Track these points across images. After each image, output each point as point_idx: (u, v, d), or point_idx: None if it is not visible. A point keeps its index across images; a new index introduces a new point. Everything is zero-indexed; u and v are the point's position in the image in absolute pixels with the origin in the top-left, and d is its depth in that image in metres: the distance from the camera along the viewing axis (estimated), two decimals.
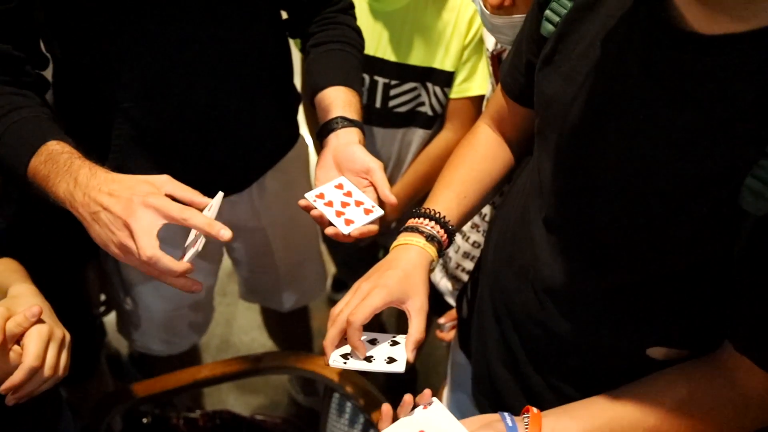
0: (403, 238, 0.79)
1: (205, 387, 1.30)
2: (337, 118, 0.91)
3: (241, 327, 2.05)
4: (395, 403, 0.72)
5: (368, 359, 0.73)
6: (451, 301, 1.31)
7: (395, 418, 0.70)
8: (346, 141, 0.89)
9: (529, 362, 0.78)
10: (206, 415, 1.31)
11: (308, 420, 1.49)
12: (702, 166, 0.55)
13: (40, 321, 0.71)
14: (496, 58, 1.04)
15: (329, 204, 0.84)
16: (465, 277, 1.25)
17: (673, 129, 0.57)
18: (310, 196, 0.86)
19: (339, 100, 0.93)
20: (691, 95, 0.55)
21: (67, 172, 0.77)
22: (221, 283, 1.44)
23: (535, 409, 0.67)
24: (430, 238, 0.77)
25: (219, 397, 1.81)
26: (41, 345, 0.70)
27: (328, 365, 0.74)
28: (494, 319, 0.84)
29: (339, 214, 0.83)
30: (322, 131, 0.92)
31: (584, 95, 0.63)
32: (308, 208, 0.85)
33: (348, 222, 0.82)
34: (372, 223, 0.84)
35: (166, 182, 0.76)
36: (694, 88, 0.55)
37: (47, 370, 0.70)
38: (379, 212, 0.85)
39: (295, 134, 1.25)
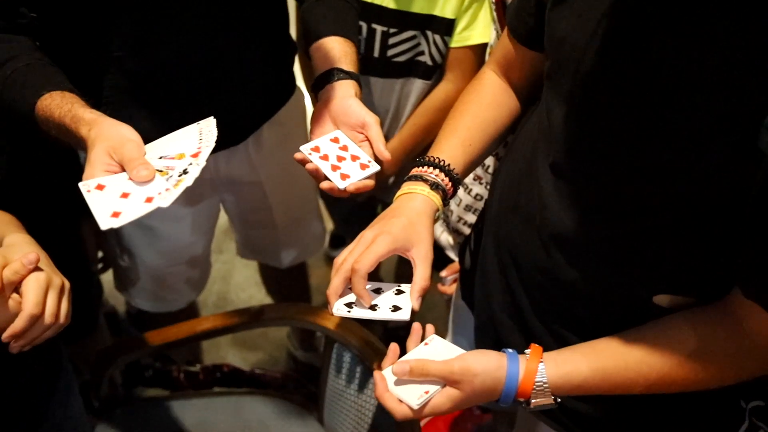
0: (407, 187, 0.79)
1: (205, 339, 1.31)
2: (333, 70, 0.89)
3: (239, 284, 2.07)
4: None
5: (373, 308, 0.74)
6: (453, 255, 1.32)
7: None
8: (342, 94, 0.87)
9: (533, 311, 0.79)
10: (206, 369, 1.34)
11: (307, 375, 1.51)
12: (723, 107, 0.55)
13: (37, 269, 0.70)
14: (500, 3, 1.02)
15: (325, 158, 0.83)
16: (467, 231, 1.25)
17: (695, 68, 0.56)
18: (305, 149, 0.85)
19: (335, 51, 0.91)
20: (715, 32, 0.54)
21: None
22: (217, 240, 1.45)
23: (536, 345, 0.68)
24: (435, 186, 0.77)
25: (217, 353, 1.84)
26: (40, 292, 0.69)
27: (332, 314, 0.74)
28: (498, 269, 0.84)
29: (335, 168, 0.82)
30: (317, 84, 0.90)
31: (600, 34, 0.62)
32: (304, 162, 0.84)
33: (344, 176, 0.82)
34: (368, 178, 0.83)
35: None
36: (718, 24, 0.54)
37: (48, 317, 0.70)
38: (375, 167, 0.84)
39: (292, 85, 1.23)
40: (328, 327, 1.12)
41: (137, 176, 0.70)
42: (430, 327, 0.74)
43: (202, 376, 1.33)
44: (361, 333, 1.08)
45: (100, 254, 1.47)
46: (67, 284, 0.74)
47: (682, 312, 0.67)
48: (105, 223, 0.66)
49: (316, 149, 0.84)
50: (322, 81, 0.90)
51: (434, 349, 0.72)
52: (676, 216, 0.63)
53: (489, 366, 0.67)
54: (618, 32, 0.61)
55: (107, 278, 1.53)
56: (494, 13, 1.04)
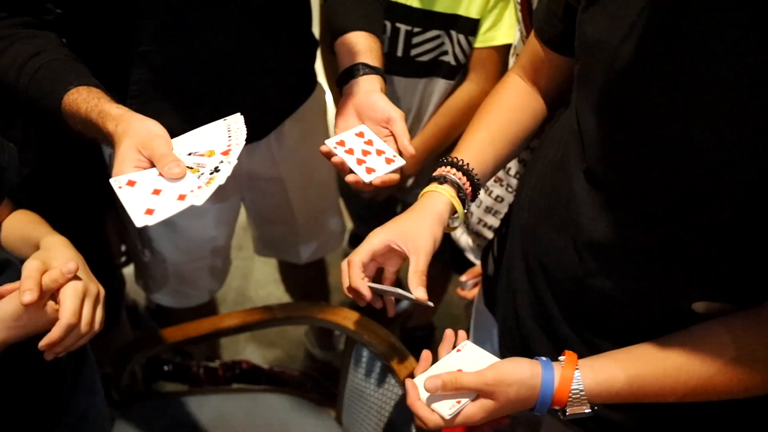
0: (428, 187, 0.79)
1: (225, 336, 1.32)
2: (358, 64, 0.89)
3: (258, 281, 2.08)
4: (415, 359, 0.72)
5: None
6: (472, 258, 1.30)
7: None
8: (367, 89, 0.87)
9: (563, 319, 0.77)
10: (226, 365, 1.35)
11: (324, 374, 1.51)
12: (766, 107, 0.53)
13: (75, 277, 0.71)
14: (525, 4, 1.01)
15: (350, 152, 0.83)
16: (487, 233, 1.24)
17: (736, 67, 0.54)
18: (330, 143, 0.85)
19: (360, 46, 0.91)
20: (756, 29, 0.52)
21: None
22: (237, 237, 1.46)
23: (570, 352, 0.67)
24: (454, 186, 0.77)
25: (236, 349, 1.85)
26: (77, 302, 0.70)
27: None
28: (525, 276, 0.82)
29: (360, 162, 0.82)
30: (342, 78, 0.90)
31: (636, 36, 0.60)
32: (329, 155, 0.84)
33: (369, 170, 0.81)
34: (393, 172, 0.83)
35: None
36: (760, 22, 0.52)
37: (84, 326, 0.71)
38: (400, 162, 0.84)
39: (313, 82, 1.23)
40: (349, 327, 1.12)
41: (169, 173, 0.70)
42: (462, 333, 0.73)
43: (221, 372, 1.34)
44: (382, 333, 1.08)
45: (123, 248, 1.48)
46: (102, 291, 0.76)
47: (720, 318, 0.65)
48: (140, 220, 0.67)
49: (342, 143, 0.84)
50: (346, 76, 0.89)
51: (467, 356, 0.71)
52: (717, 220, 0.61)
53: (524, 375, 0.66)
54: (654, 32, 0.59)
55: (127, 271, 1.54)
56: (519, 14, 1.04)
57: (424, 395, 0.67)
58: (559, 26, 0.76)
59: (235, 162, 0.71)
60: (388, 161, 0.83)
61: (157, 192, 0.70)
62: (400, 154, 0.86)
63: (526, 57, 0.85)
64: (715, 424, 0.74)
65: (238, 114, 0.78)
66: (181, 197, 0.69)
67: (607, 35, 0.64)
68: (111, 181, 0.71)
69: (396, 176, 0.83)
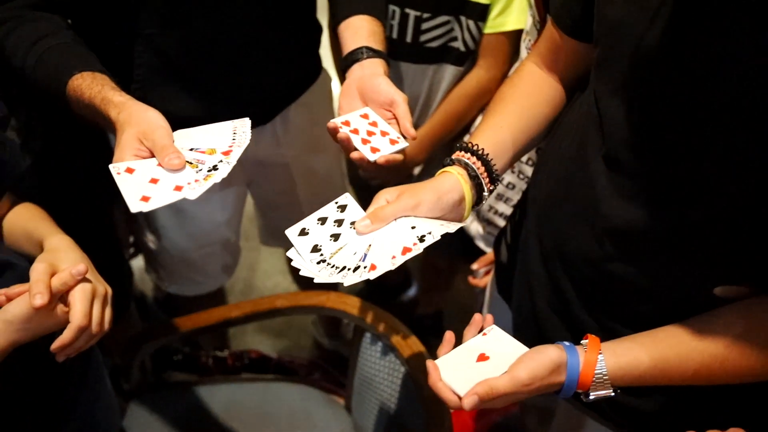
0: (438, 172, 0.78)
1: (233, 326, 1.32)
2: (361, 48, 0.89)
3: (265, 272, 2.08)
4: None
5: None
6: (482, 246, 1.30)
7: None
8: (371, 72, 0.87)
9: (581, 305, 0.76)
10: (234, 355, 1.35)
11: (333, 363, 1.51)
12: None
13: (84, 279, 0.72)
14: None
15: (355, 131, 0.83)
16: (498, 220, 1.23)
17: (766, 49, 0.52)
18: (336, 122, 0.85)
19: (363, 30, 0.91)
20: None
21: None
22: (244, 228, 1.45)
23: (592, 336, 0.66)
24: (469, 170, 0.75)
25: (243, 339, 1.85)
26: (87, 304, 0.71)
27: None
28: (542, 262, 0.82)
29: (365, 141, 0.82)
30: (345, 61, 0.90)
31: (664, 16, 0.59)
32: (335, 131, 0.84)
33: (374, 150, 0.82)
34: (397, 153, 0.83)
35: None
36: None
37: (95, 327, 0.72)
38: (404, 143, 0.84)
39: (318, 67, 1.23)
40: (357, 315, 1.11)
41: (168, 164, 0.71)
42: (489, 317, 0.72)
43: (230, 361, 1.34)
44: (390, 321, 1.08)
45: (131, 239, 1.49)
46: (109, 291, 0.76)
47: (744, 301, 0.65)
48: (135, 206, 0.68)
49: (347, 123, 0.84)
50: (350, 59, 0.89)
51: (492, 341, 0.70)
52: (741, 204, 0.60)
53: (553, 364, 0.66)
54: (682, 14, 0.58)
55: (136, 265, 1.55)
56: (531, 0, 1.03)
57: (446, 376, 0.66)
58: (577, 11, 0.74)
59: (233, 163, 0.72)
60: (393, 142, 0.83)
61: (154, 181, 0.71)
62: (404, 137, 0.86)
63: (543, 44, 0.83)
64: (732, 410, 0.74)
65: (246, 119, 0.78)
66: (178, 188, 0.70)
67: (630, 17, 0.62)
68: (110, 167, 0.71)
69: (400, 156, 0.84)
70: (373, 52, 0.89)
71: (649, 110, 0.63)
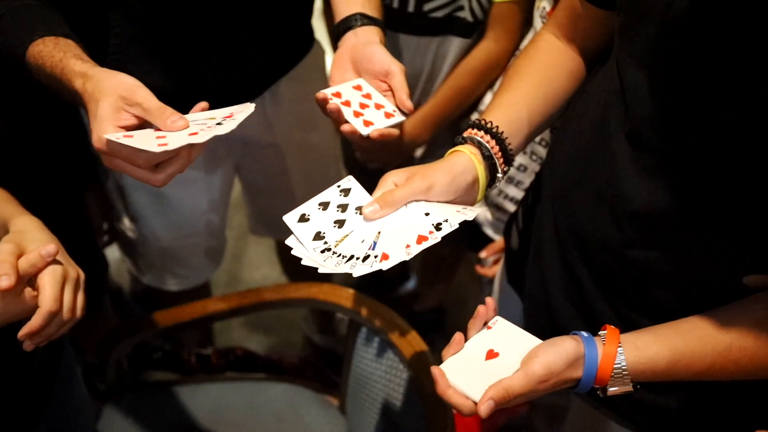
0: (448, 151, 0.76)
1: (217, 321, 1.31)
2: (355, 14, 0.86)
3: (251, 262, 2.05)
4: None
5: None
6: (491, 233, 1.29)
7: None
8: (365, 40, 0.85)
9: (599, 294, 0.75)
10: (219, 352, 1.33)
11: (325, 360, 1.50)
12: None
13: (54, 260, 0.70)
14: None
15: (347, 104, 0.81)
16: (508, 205, 1.22)
17: None
18: (326, 93, 0.82)
19: None
20: None
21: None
22: (228, 214, 1.45)
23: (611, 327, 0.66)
24: (482, 149, 0.72)
25: (229, 335, 1.83)
26: (58, 287, 0.69)
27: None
28: (557, 249, 0.80)
29: (357, 114, 0.80)
30: (338, 29, 0.88)
31: None
32: (325, 102, 0.81)
33: (367, 123, 0.79)
34: (393, 127, 0.81)
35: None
36: None
37: (66, 313, 0.70)
38: (400, 117, 0.82)
39: (309, 39, 1.21)
40: (352, 307, 1.09)
41: (173, 126, 0.69)
42: (489, 301, 0.70)
43: (215, 359, 1.32)
44: (387, 314, 1.06)
45: (105, 226, 1.42)
46: (82, 275, 0.74)
47: (760, 293, 0.64)
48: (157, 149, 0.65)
49: (338, 95, 0.82)
50: (343, 26, 0.87)
51: (499, 334, 0.69)
52: None
53: (570, 358, 0.65)
54: None
55: (112, 254, 1.50)
56: None
57: (455, 380, 0.65)
58: None
59: (238, 122, 0.69)
60: (388, 116, 0.81)
61: (161, 138, 0.68)
62: (401, 111, 0.84)
63: (561, 13, 0.81)
64: (760, 409, 0.72)
65: (251, 104, 0.74)
66: (192, 134, 0.68)
67: None
68: (108, 137, 0.67)
69: (395, 131, 0.82)
70: (367, 19, 0.87)
71: (678, 83, 0.61)
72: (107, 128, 0.69)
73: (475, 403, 0.63)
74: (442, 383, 0.65)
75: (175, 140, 0.67)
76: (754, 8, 0.54)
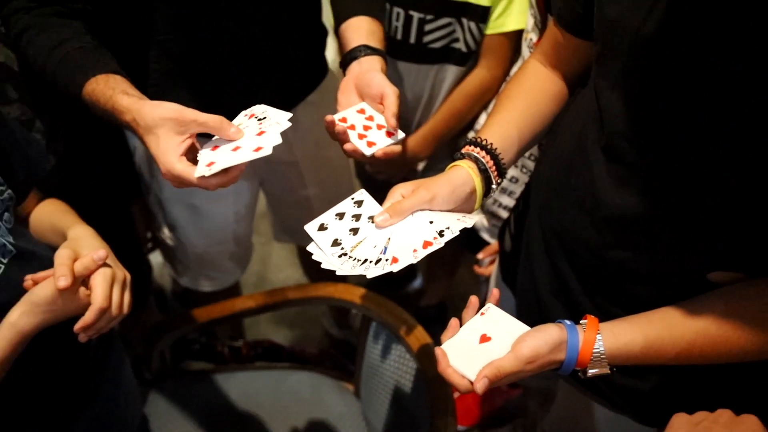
0: (448, 166, 0.76)
1: (247, 317, 1.31)
2: (360, 46, 0.88)
3: (276, 265, 2.06)
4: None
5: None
6: (487, 237, 1.29)
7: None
8: (367, 68, 0.87)
9: (583, 291, 0.76)
10: (248, 344, 1.34)
11: (342, 351, 1.51)
12: None
13: (104, 263, 0.72)
14: None
15: (352, 127, 0.82)
16: (502, 213, 1.22)
17: (758, 44, 0.52)
18: (333, 118, 0.84)
19: (362, 30, 0.90)
20: None
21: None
22: (256, 223, 1.45)
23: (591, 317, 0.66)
24: (478, 164, 0.74)
25: (257, 329, 1.84)
26: (107, 287, 0.71)
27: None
28: (544, 250, 0.81)
29: (361, 137, 0.81)
30: (344, 60, 0.90)
31: (658, 15, 0.58)
32: (333, 125, 0.83)
33: (370, 144, 0.80)
34: (395, 144, 0.82)
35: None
36: None
37: (114, 310, 0.72)
38: (401, 135, 0.82)
39: (323, 68, 1.22)
40: (364, 305, 1.11)
41: (234, 135, 0.73)
42: (495, 292, 0.71)
43: (245, 351, 1.33)
44: (396, 310, 1.07)
45: (148, 235, 1.48)
46: (128, 277, 0.76)
47: (737, 284, 0.64)
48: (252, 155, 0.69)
49: (343, 120, 0.83)
50: (349, 57, 0.89)
51: (491, 320, 0.69)
52: (736, 193, 0.59)
53: (554, 342, 0.65)
54: (674, 11, 0.57)
55: (156, 259, 1.54)
56: (533, 0, 1.01)
57: (454, 361, 0.65)
58: (579, 10, 0.73)
59: (283, 124, 0.73)
60: (389, 135, 0.82)
61: (236, 149, 0.72)
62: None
63: (546, 43, 0.82)
64: (724, 391, 0.73)
65: (286, 115, 0.78)
66: (257, 149, 0.71)
67: (626, 16, 0.62)
68: (197, 174, 0.70)
69: (397, 148, 0.83)
70: (370, 50, 0.88)
71: (646, 102, 0.62)
72: (173, 160, 0.71)
73: (471, 382, 0.63)
74: (443, 362, 0.65)
75: (247, 145, 0.70)
76: (711, 35, 0.55)
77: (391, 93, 0.83)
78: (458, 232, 0.67)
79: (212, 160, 0.70)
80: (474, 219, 0.71)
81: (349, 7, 0.94)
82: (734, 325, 0.62)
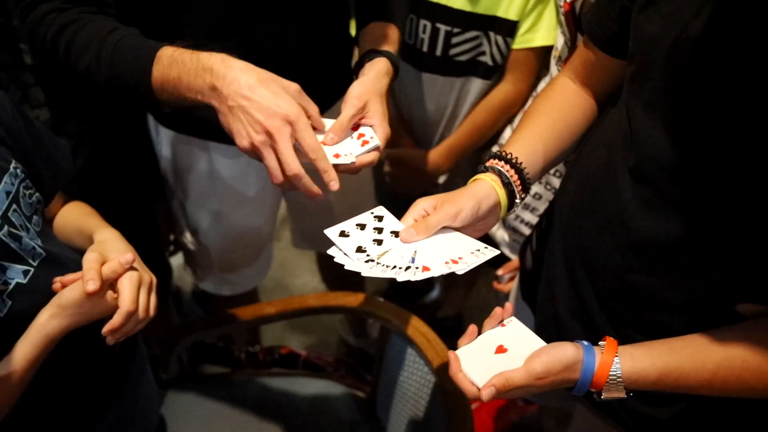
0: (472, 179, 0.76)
1: (264, 323, 1.31)
2: (368, 51, 0.88)
3: (294, 271, 2.07)
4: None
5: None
6: (507, 253, 1.28)
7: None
8: (364, 72, 0.87)
9: (603, 314, 0.75)
10: (265, 350, 1.34)
11: (358, 360, 1.49)
12: None
13: (131, 267, 0.73)
14: (570, 10, 0.97)
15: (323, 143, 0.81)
16: (524, 229, 1.21)
17: None
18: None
19: (375, 35, 0.90)
20: None
21: (199, 68, 0.76)
22: (276, 229, 1.47)
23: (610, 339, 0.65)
24: (502, 177, 0.73)
25: (274, 335, 1.84)
26: (134, 290, 0.72)
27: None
28: (565, 270, 0.80)
29: (336, 155, 0.80)
30: (355, 68, 0.90)
31: (691, 36, 0.57)
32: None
33: (337, 155, 0.79)
34: (368, 153, 0.80)
35: (297, 93, 0.78)
36: None
37: (141, 313, 0.72)
38: (376, 142, 0.80)
39: (349, 78, 1.21)
40: (384, 316, 1.10)
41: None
42: (509, 306, 0.71)
43: (261, 356, 1.33)
44: (415, 322, 1.07)
45: (171, 237, 1.49)
46: (154, 280, 0.77)
47: (764, 318, 0.62)
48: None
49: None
50: (359, 64, 0.89)
51: (510, 333, 0.69)
52: None
53: (569, 361, 0.64)
54: (709, 34, 0.56)
55: (176, 261, 1.55)
56: (562, 17, 1.00)
57: (465, 367, 0.65)
58: (613, 28, 0.73)
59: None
60: (364, 143, 0.81)
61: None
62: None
63: (576, 60, 0.82)
64: (746, 423, 0.71)
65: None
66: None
67: (662, 36, 0.61)
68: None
69: (374, 155, 0.81)
70: (375, 54, 0.88)
71: (681, 126, 0.61)
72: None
73: (479, 389, 0.63)
74: (455, 366, 0.65)
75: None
76: (751, 58, 0.54)
77: (351, 96, 0.82)
78: (477, 265, 0.67)
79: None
80: (494, 252, 0.70)
81: (365, 14, 0.95)
82: (762, 359, 0.61)
